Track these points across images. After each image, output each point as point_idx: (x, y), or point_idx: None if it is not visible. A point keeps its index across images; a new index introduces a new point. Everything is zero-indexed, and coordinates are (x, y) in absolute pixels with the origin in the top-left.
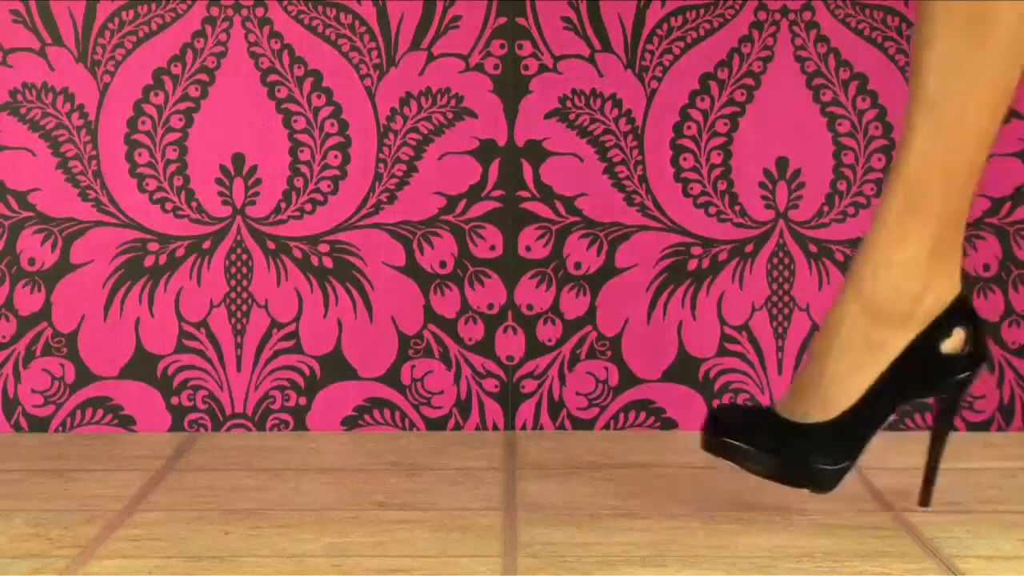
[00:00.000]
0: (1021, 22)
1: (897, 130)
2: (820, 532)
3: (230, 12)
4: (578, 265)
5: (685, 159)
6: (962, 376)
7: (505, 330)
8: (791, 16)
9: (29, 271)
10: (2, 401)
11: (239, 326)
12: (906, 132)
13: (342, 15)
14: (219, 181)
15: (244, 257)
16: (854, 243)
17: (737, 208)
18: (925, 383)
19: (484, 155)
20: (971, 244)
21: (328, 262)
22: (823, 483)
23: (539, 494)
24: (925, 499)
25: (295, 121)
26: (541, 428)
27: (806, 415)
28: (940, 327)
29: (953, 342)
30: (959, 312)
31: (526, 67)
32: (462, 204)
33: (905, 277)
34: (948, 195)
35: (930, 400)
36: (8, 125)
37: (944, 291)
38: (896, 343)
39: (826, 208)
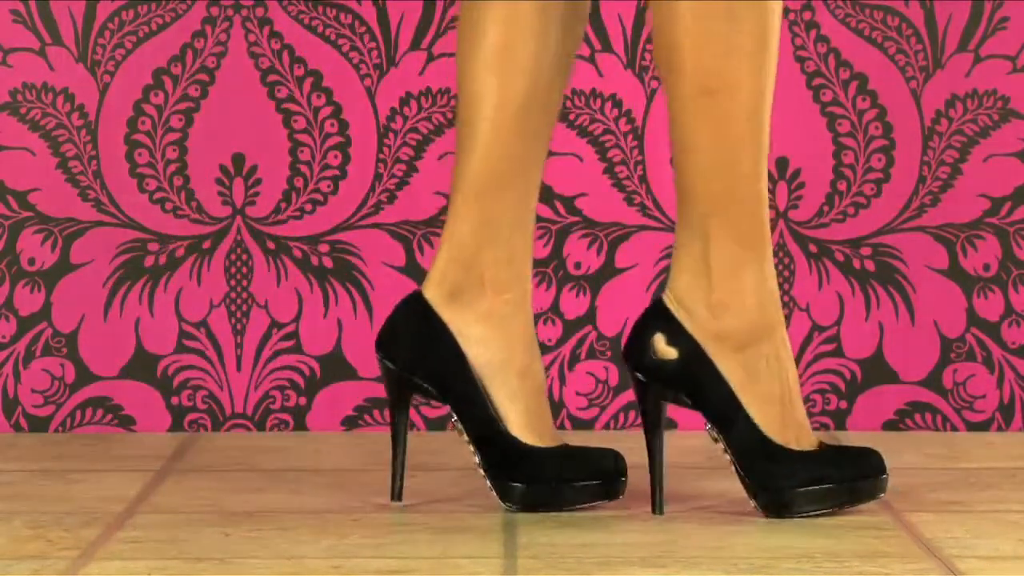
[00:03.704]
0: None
1: (897, 130)
2: (820, 532)
3: (230, 12)
4: (578, 265)
5: None
6: None
7: None
8: (791, 16)
9: (29, 271)
10: (2, 401)
11: (239, 326)
12: None
13: (342, 15)
14: (219, 181)
15: (244, 257)
16: (854, 243)
17: None
18: None
19: None
20: (971, 244)
21: (328, 262)
22: None
23: None
24: (396, 493)
25: (295, 121)
26: None
27: None
28: None
29: None
30: None
31: None
32: None
33: None
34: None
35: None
36: (8, 125)
37: None
38: None
39: (826, 208)
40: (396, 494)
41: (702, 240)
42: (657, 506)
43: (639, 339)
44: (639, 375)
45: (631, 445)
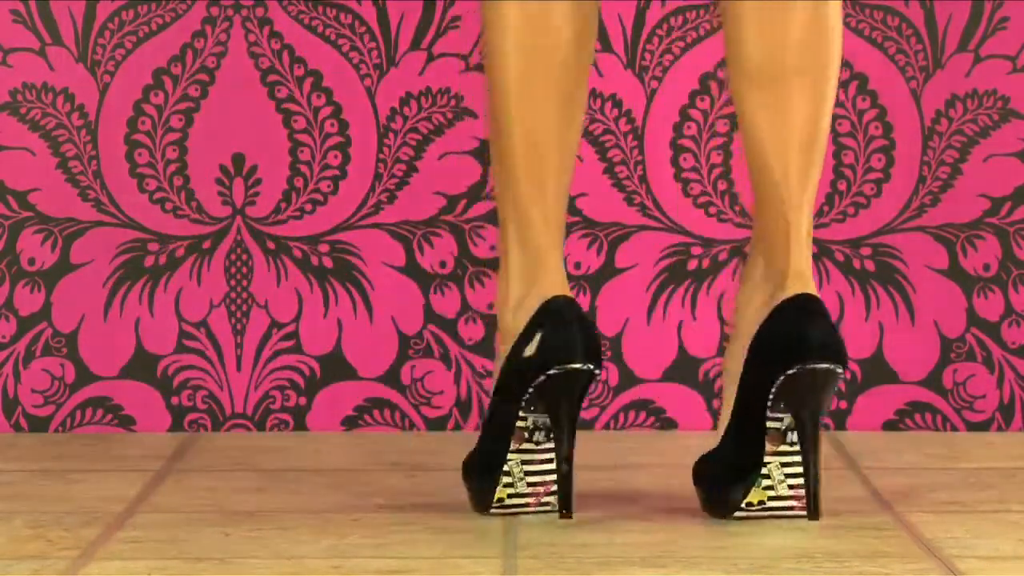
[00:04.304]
0: (521, 25)
1: (897, 130)
2: (820, 532)
3: (230, 12)
4: (578, 265)
5: (685, 159)
6: (539, 380)
7: None
8: None
9: (29, 271)
10: (2, 401)
11: (239, 326)
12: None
13: (342, 15)
14: (219, 181)
15: (244, 257)
16: (855, 243)
17: (737, 208)
18: (519, 392)
19: (484, 155)
20: (971, 244)
21: (328, 262)
22: (473, 502)
23: None
24: (565, 507)
25: (295, 121)
26: None
27: None
28: (523, 335)
29: (531, 346)
30: (541, 315)
31: None
32: (462, 204)
33: (503, 298)
34: (516, 213)
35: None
36: (8, 125)
37: (539, 300)
38: (500, 361)
39: (826, 208)
40: (568, 506)
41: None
42: (816, 509)
43: (838, 335)
44: (835, 368)
45: (631, 445)
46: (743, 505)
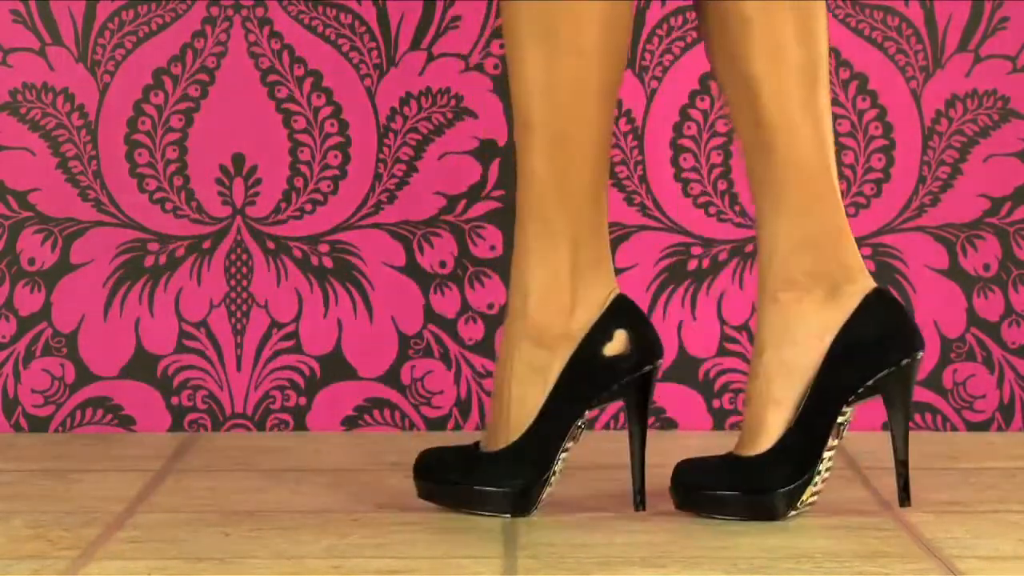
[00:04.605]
0: (603, 23)
1: (897, 130)
2: (820, 532)
3: (230, 12)
4: None
5: (685, 159)
6: (632, 376)
7: None
8: None
9: (29, 271)
10: (2, 401)
11: (239, 326)
12: (520, 155)
13: (342, 15)
14: (219, 181)
15: (244, 257)
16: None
17: (737, 208)
18: (596, 390)
19: (484, 155)
20: (971, 244)
21: (328, 262)
22: (517, 507)
23: None
24: (640, 502)
25: (295, 121)
26: None
27: (497, 445)
28: (599, 333)
29: (615, 345)
30: (616, 314)
31: None
32: (462, 204)
33: (549, 298)
34: (571, 212)
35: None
36: (8, 125)
37: (597, 299)
38: (556, 361)
39: None
40: (642, 502)
41: None
42: (908, 498)
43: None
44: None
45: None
46: (798, 504)
